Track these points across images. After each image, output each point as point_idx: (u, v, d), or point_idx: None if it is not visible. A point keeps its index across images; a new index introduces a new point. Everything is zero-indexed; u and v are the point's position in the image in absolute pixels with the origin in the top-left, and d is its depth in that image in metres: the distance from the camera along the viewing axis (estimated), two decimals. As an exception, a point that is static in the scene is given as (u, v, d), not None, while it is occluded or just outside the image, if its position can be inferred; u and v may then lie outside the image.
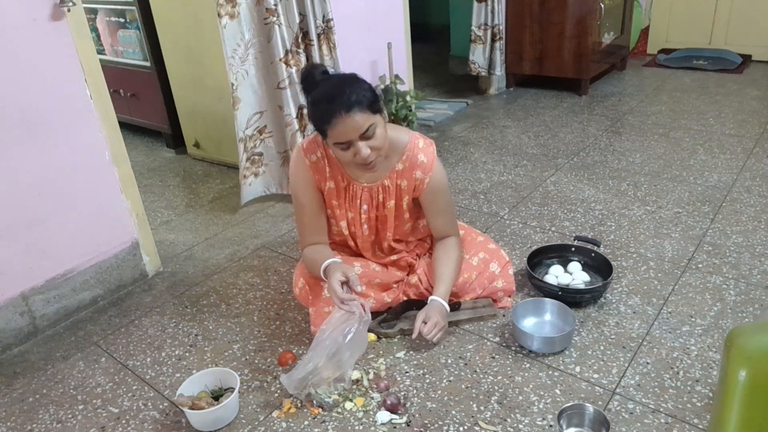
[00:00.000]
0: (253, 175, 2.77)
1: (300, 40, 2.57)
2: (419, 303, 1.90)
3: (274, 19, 2.47)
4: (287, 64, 2.55)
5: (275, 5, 2.46)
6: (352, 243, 1.91)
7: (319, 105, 1.56)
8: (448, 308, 1.80)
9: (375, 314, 1.90)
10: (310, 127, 2.62)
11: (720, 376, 0.97)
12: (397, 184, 1.78)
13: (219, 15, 2.42)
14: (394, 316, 1.89)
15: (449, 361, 1.75)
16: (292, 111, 2.62)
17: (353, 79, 1.58)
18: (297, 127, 2.64)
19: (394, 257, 1.95)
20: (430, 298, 1.80)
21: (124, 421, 1.65)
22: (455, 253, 1.85)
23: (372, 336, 1.84)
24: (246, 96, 2.61)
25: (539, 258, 2.15)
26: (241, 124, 2.64)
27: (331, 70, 1.86)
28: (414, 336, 1.76)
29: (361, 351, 1.66)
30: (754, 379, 0.91)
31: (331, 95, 1.54)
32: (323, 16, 2.62)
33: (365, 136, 1.55)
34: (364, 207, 1.81)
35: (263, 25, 2.50)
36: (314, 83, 1.60)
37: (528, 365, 1.72)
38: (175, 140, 3.67)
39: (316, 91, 1.58)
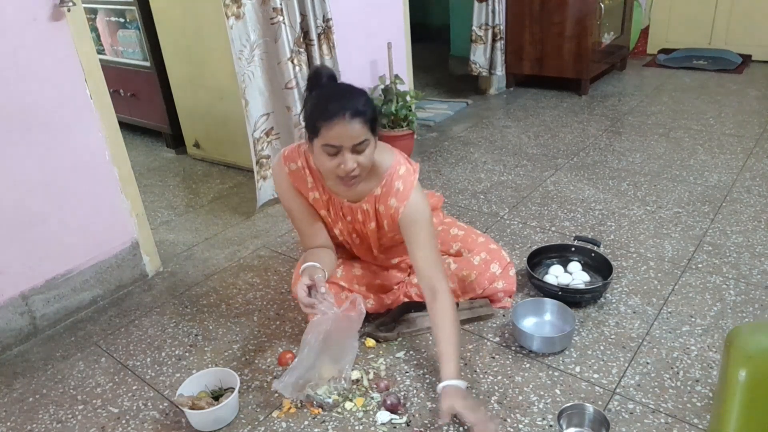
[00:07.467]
0: (262, 179, 2.73)
1: (302, 40, 2.57)
2: (417, 305, 1.90)
3: (281, 18, 2.45)
4: (293, 63, 2.55)
5: (281, 4, 2.45)
6: (348, 247, 1.90)
7: (324, 101, 1.47)
8: (464, 387, 1.54)
9: (375, 316, 1.91)
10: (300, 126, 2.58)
11: (720, 376, 0.97)
12: (376, 208, 1.69)
13: (226, 16, 2.40)
14: (392, 320, 1.88)
15: (449, 361, 1.75)
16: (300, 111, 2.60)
17: (363, 92, 1.52)
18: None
19: (395, 260, 1.94)
20: (444, 384, 1.51)
21: (124, 421, 1.65)
22: (450, 315, 1.60)
23: (371, 342, 1.84)
24: (253, 98, 2.59)
25: (539, 258, 2.15)
26: (251, 126, 2.62)
27: (339, 78, 1.74)
28: (441, 423, 1.51)
29: (352, 347, 1.63)
30: (754, 379, 0.91)
31: (339, 95, 1.48)
32: (323, 16, 2.62)
33: (357, 149, 1.47)
34: (349, 218, 1.76)
35: (269, 25, 2.49)
36: (319, 84, 1.54)
37: (528, 365, 1.72)
38: (175, 140, 3.67)
39: (323, 89, 1.52)
